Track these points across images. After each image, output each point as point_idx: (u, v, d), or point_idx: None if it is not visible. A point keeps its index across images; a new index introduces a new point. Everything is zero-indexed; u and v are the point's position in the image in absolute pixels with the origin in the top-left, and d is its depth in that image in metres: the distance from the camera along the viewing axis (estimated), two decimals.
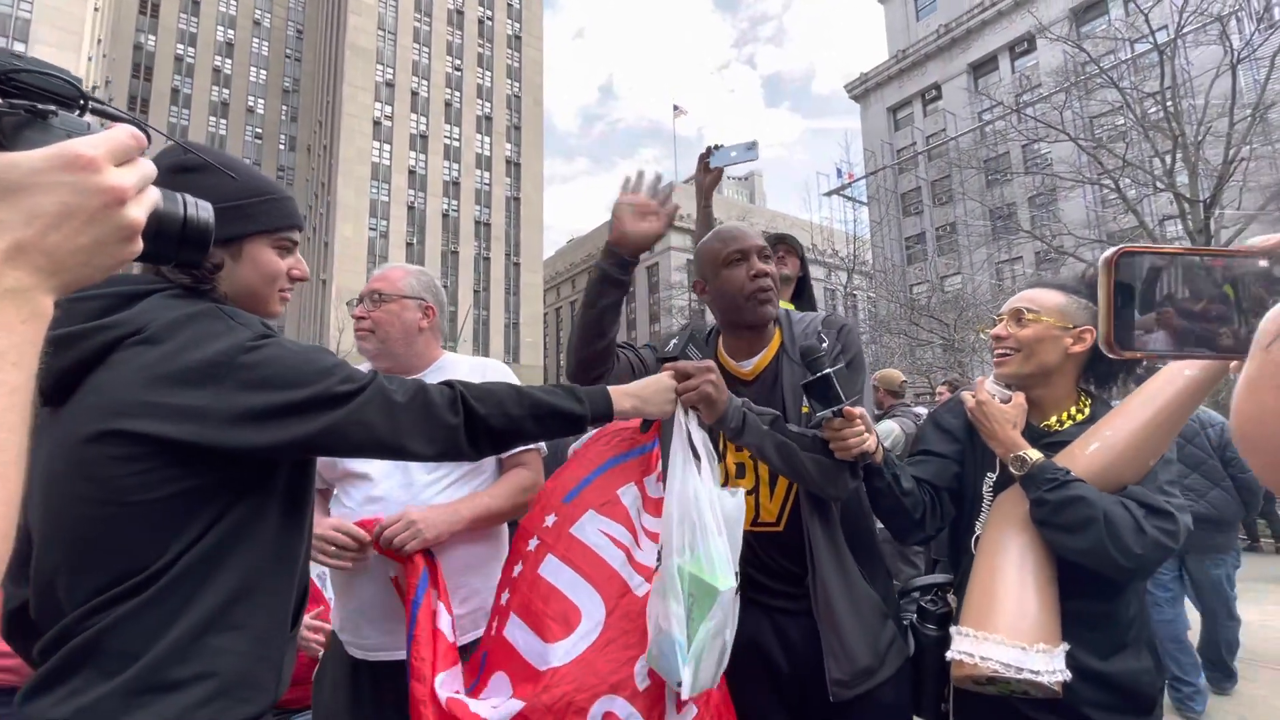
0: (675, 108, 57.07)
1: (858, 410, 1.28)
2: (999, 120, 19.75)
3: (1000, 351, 1.41)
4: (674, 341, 1.59)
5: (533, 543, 1.43)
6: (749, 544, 1.45)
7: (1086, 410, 1.40)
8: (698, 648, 1.15)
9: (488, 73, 56.18)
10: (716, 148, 2.00)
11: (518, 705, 1.21)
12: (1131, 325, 0.50)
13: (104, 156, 0.42)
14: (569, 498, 1.46)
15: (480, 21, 56.78)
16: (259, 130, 58.79)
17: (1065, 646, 1.21)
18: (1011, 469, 1.32)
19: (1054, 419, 1.40)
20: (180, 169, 0.96)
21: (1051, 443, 1.36)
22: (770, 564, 1.45)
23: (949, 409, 1.57)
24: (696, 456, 1.27)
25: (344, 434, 0.90)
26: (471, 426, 1.01)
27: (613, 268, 1.40)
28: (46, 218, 0.40)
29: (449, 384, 1.03)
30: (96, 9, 34.07)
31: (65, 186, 0.41)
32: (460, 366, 1.78)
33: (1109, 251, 0.51)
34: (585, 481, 1.47)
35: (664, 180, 1.46)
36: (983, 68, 30.92)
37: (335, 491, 1.68)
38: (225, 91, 57.07)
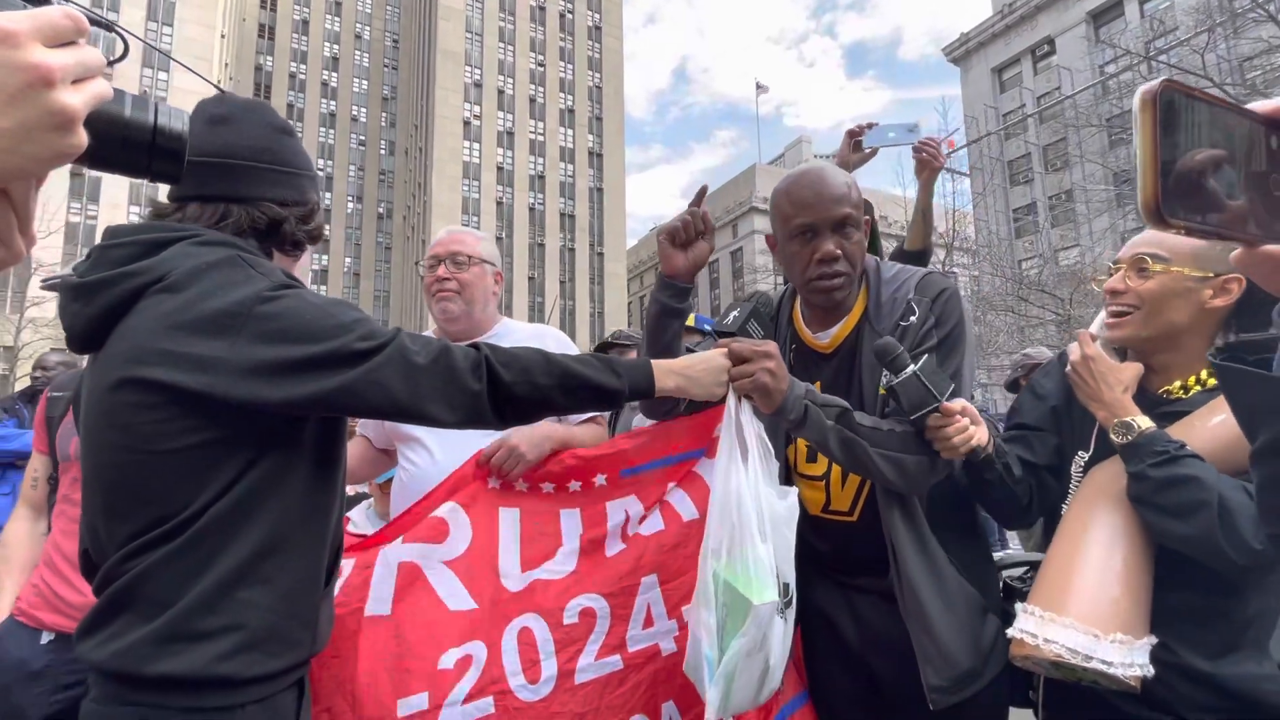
0: (758, 85, 55.30)
1: (956, 405, 1.09)
2: (1125, 72, 17.68)
3: (1116, 309, 1.17)
4: (734, 314, 1.41)
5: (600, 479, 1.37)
6: (821, 530, 1.33)
7: None
8: (728, 665, 1.04)
9: (569, 66, 57.07)
10: (870, 127, 1.90)
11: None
12: (1180, 188, 0.39)
13: (27, 33, 0.37)
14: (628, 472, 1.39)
15: (561, 15, 57.71)
16: (362, 138, 62.83)
17: (1151, 640, 1.03)
18: (1113, 436, 1.12)
19: (1176, 384, 1.17)
20: (218, 120, 0.96)
21: (1168, 413, 1.14)
22: (845, 554, 1.32)
23: (1045, 371, 1.38)
24: (745, 449, 1.14)
25: (360, 394, 0.86)
26: (495, 393, 0.95)
27: (671, 299, 1.29)
28: None
29: (476, 346, 0.98)
30: (223, 36, 37.59)
31: None
32: (518, 332, 1.78)
33: (1149, 84, 0.39)
34: (646, 467, 1.40)
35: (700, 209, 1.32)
36: (1104, 15, 27.81)
37: (400, 459, 1.70)
38: (332, 103, 61.34)
